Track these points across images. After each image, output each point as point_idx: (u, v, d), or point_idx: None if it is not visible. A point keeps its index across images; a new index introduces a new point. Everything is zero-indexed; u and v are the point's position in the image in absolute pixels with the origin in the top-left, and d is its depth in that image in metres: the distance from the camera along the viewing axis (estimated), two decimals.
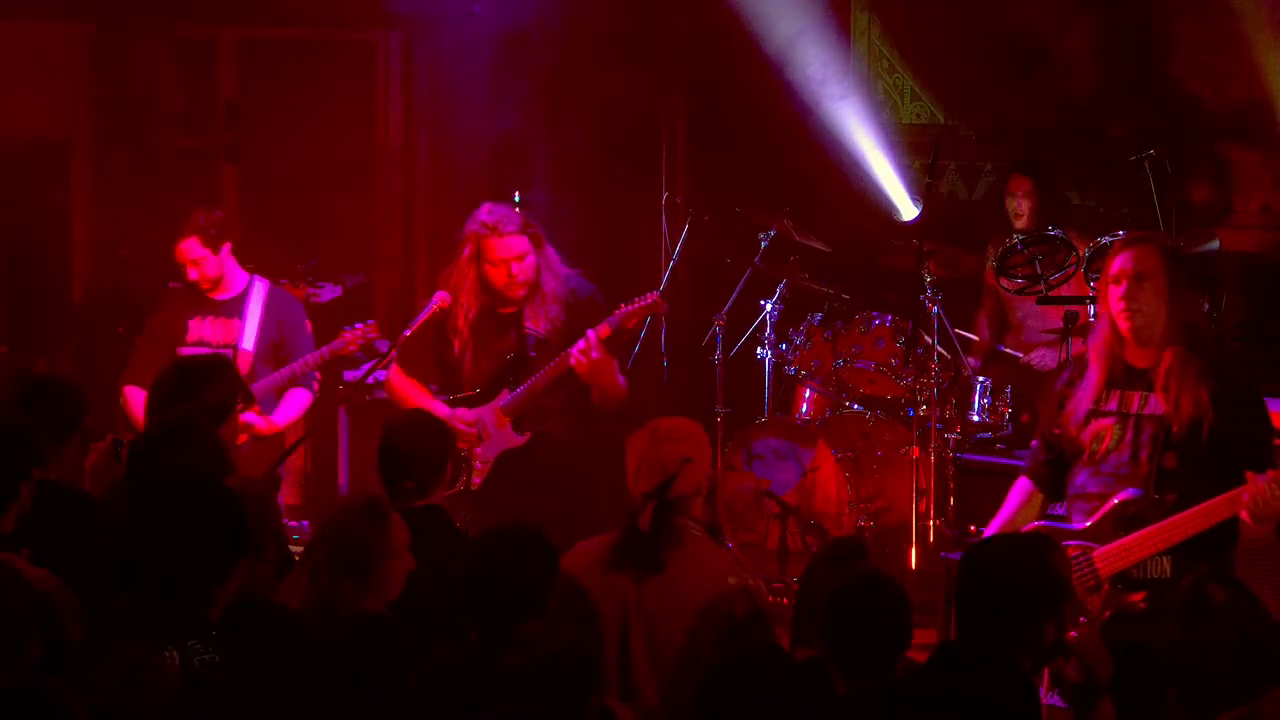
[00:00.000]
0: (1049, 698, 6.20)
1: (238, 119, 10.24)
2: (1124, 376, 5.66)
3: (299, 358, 7.83)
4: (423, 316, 7.46)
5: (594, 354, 6.94)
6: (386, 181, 10.03)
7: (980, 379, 8.44)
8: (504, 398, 7.18)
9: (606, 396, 7.08)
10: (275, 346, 7.88)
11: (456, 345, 7.26)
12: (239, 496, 4.59)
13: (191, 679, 4.25)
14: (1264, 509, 5.34)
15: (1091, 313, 7.56)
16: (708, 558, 5.23)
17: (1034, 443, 6.01)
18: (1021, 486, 5.94)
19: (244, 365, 7.64)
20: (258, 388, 7.60)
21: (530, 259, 7.10)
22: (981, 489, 7.26)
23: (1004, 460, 7.28)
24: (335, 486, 8.88)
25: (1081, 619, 5.54)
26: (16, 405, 5.78)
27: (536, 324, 7.15)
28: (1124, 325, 5.62)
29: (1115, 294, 5.61)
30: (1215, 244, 8.76)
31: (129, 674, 4.24)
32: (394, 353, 7.25)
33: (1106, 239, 7.53)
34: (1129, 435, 5.62)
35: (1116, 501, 5.57)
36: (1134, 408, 5.62)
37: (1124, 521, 5.55)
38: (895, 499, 8.53)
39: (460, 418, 7.17)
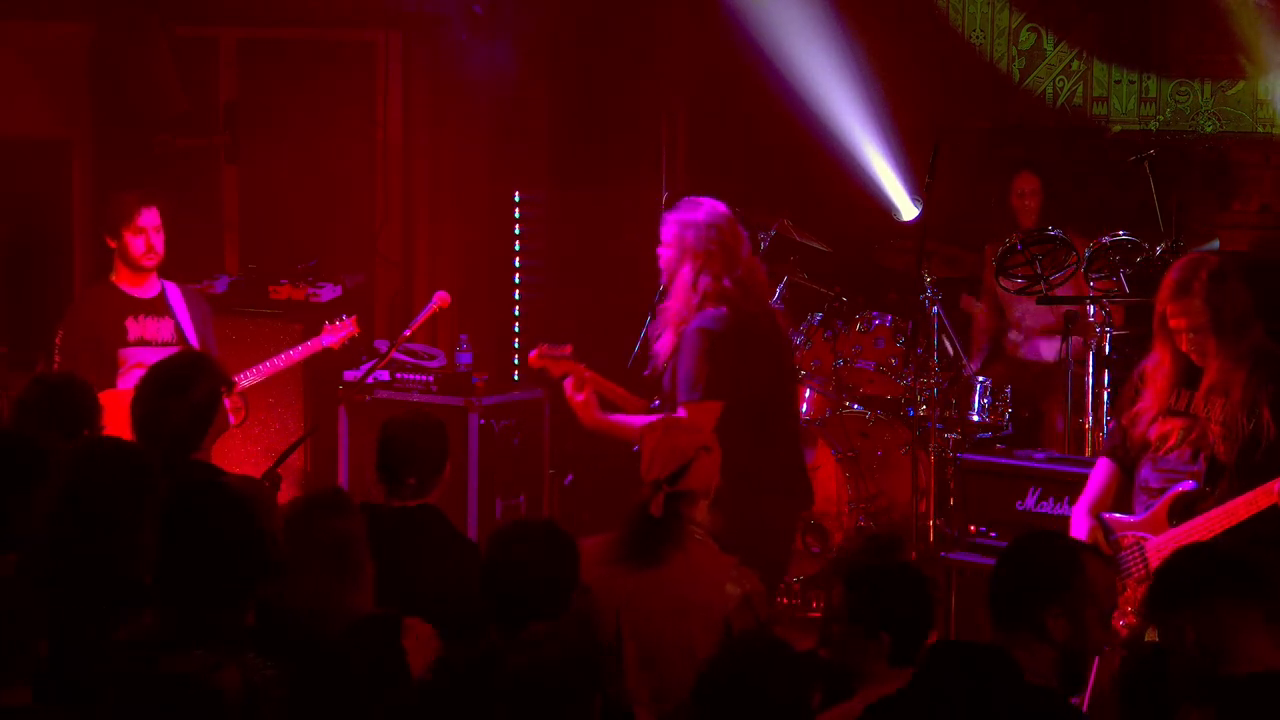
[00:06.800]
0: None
1: (237, 119, 10.23)
2: (1193, 379, 5.74)
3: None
4: (423, 316, 7.44)
5: (576, 398, 6.45)
6: (386, 181, 10.02)
7: (980, 379, 8.44)
8: None
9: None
10: (204, 347, 7.68)
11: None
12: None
13: (253, 694, 4.20)
14: None
15: (1091, 312, 7.57)
16: (708, 562, 5.16)
17: (1110, 424, 6.08)
18: (1102, 466, 6.00)
19: None
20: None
21: (667, 252, 6.45)
22: (981, 489, 7.25)
23: (1004, 460, 7.27)
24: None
25: (1130, 609, 5.58)
26: (31, 406, 5.77)
27: (656, 347, 6.57)
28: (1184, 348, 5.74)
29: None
30: (1215, 244, 8.75)
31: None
32: (393, 353, 7.20)
33: (1107, 239, 7.53)
34: (1194, 435, 5.70)
35: (1173, 494, 5.67)
36: (1202, 410, 5.70)
37: (1177, 513, 5.65)
38: (895, 499, 8.53)
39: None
